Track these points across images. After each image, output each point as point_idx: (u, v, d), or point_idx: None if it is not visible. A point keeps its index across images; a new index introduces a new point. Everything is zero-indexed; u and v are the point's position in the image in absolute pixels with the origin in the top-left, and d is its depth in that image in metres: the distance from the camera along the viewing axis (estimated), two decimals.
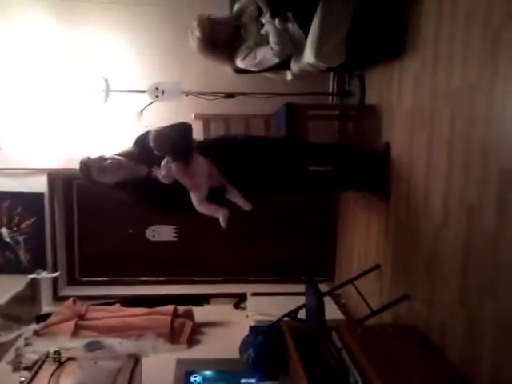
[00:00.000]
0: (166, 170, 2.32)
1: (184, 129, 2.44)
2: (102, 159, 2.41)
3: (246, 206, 2.52)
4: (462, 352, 2.00)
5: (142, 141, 2.47)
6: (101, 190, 2.61)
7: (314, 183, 2.77)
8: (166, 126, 2.41)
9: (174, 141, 2.34)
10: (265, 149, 2.69)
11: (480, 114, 1.92)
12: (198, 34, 2.93)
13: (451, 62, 2.15)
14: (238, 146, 2.63)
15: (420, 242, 2.39)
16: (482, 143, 1.90)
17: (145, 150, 2.41)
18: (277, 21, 2.72)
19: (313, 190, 2.95)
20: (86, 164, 2.40)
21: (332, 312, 3.13)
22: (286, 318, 2.95)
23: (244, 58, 2.98)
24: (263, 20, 2.80)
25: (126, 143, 2.58)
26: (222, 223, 2.40)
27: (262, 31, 2.90)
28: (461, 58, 2.07)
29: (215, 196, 2.47)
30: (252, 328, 2.71)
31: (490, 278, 1.82)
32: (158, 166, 2.36)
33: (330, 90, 3.74)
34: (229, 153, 2.57)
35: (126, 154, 2.49)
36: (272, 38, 2.79)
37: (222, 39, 2.97)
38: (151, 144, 2.33)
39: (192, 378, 2.51)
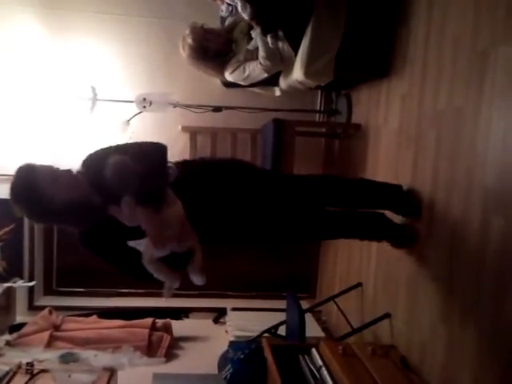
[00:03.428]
0: (129, 212, 1.66)
1: (157, 156, 1.79)
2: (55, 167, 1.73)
3: (200, 281, 1.78)
4: (442, 373, 2.00)
5: (96, 163, 1.73)
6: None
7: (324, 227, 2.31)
8: (133, 148, 1.82)
9: (142, 177, 1.64)
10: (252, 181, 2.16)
11: (466, 136, 1.95)
12: (189, 41, 2.95)
13: (438, 84, 2.19)
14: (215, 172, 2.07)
15: (402, 261, 2.40)
16: (467, 164, 1.93)
17: (98, 176, 1.66)
18: (268, 37, 2.74)
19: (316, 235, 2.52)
20: (33, 168, 1.66)
21: (312, 329, 3.11)
22: (266, 334, 2.92)
23: (233, 71, 3.01)
24: (253, 34, 2.83)
25: None
26: (166, 292, 1.70)
27: (250, 46, 2.93)
28: (448, 81, 2.11)
29: (174, 262, 1.69)
30: (231, 343, 2.68)
31: (474, 299, 1.83)
32: (116, 203, 1.66)
33: (318, 108, 3.77)
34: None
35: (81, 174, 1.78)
36: (261, 53, 2.82)
37: (213, 49, 2.99)
38: (108, 177, 1.64)
39: None
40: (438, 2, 2.25)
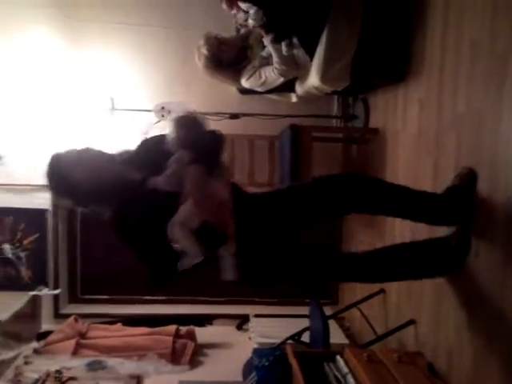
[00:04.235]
0: (175, 167, 1.62)
1: (218, 135, 1.84)
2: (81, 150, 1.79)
3: (231, 275, 1.74)
4: (470, 380, 1.98)
5: (152, 142, 1.86)
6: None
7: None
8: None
9: (206, 133, 1.72)
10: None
11: (487, 138, 1.94)
12: (204, 51, 2.98)
13: (456, 87, 2.17)
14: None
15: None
16: (489, 169, 1.91)
17: (151, 153, 1.78)
18: (283, 45, 2.75)
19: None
20: (57, 156, 1.74)
21: (336, 335, 3.10)
22: (290, 341, 2.93)
23: (249, 77, 3.03)
24: (265, 42, 2.84)
25: None
26: (183, 263, 1.65)
27: (264, 53, 2.95)
28: (466, 84, 2.09)
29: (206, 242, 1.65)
30: (255, 350, 2.69)
31: (499, 303, 1.81)
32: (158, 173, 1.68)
33: (335, 113, 3.77)
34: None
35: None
36: (275, 59, 2.83)
37: (227, 59, 3.02)
38: (172, 124, 1.69)
39: None
40: (455, 5, 2.23)
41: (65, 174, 1.67)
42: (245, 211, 1.77)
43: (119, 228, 1.75)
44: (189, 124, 1.71)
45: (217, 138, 1.81)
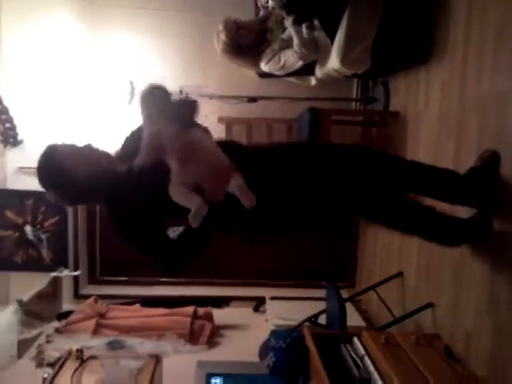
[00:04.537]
0: (148, 139, 1.56)
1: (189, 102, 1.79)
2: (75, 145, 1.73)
3: (248, 201, 1.57)
4: (488, 364, 1.98)
5: (132, 133, 1.81)
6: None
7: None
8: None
9: (172, 104, 1.61)
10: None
11: (510, 123, 1.90)
12: (223, 37, 2.97)
13: (480, 69, 2.13)
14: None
15: (446, 249, 2.37)
16: (511, 154, 1.88)
17: (132, 143, 1.71)
18: (303, 27, 2.72)
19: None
20: (52, 149, 1.67)
21: (353, 318, 3.11)
22: (306, 323, 2.95)
23: (268, 61, 3.01)
24: (286, 23, 2.81)
25: None
26: (192, 220, 1.55)
27: (284, 35, 2.92)
28: (490, 66, 2.06)
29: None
30: (273, 332, 2.71)
31: None
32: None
33: (354, 96, 3.73)
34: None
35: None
36: (296, 41, 2.81)
37: (246, 44, 3.00)
38: (140, 94, 1.61)
39: (213, 381, 2.52)
40: None
41: (57, 164, 1.61)
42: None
43: (118, 225, 1.73)
44: (150, 98, 1.59)
45: (187, 104, 1.71)
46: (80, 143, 1.72)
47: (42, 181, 1.67)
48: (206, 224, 1.59)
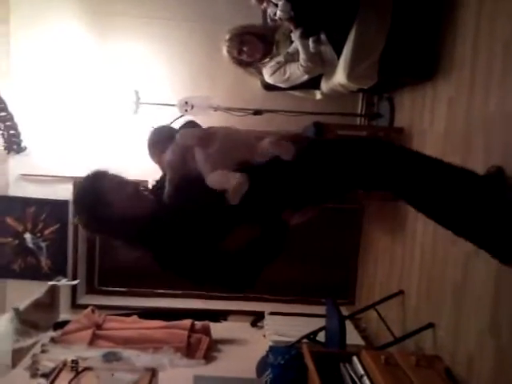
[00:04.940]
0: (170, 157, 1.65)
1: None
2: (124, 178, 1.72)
3: (287, 152, 1.59)
4: None
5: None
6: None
7: None
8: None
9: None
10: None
11: None
12: (225, 54, 2.98)
13: (488, 88, 2.12)
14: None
15: (448, 269, 2.34)
16: None
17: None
18: (310, 41, 2.73)
19: None
20: (102, 174, 1.64)
21: (352, 336, 3.06)
22: (305, 340, 2.90)
23: (273, 73, 3.01)
24: (293, 36, 2.82)
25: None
26: (232, 196, 1.51)
27: (290, 49, 2.92)
28: (498, 84, 2.04)
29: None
30: (271, 348, 2.67)
31: None
32: None
33: (359, 112, 3.72)
34: None
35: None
36: (302, 55, 2.81)
37: (247, 61, 3.00)
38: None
39: None
40: (488, 4, 2.18)
41: (104, 192, 1.58)
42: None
43: (168, 263, 1.65)
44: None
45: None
46: (126, 177, 1.68)
47: (79, 204, 1.66)
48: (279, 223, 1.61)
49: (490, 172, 1.97)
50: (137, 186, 1.67)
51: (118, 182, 1.63)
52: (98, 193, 1.58)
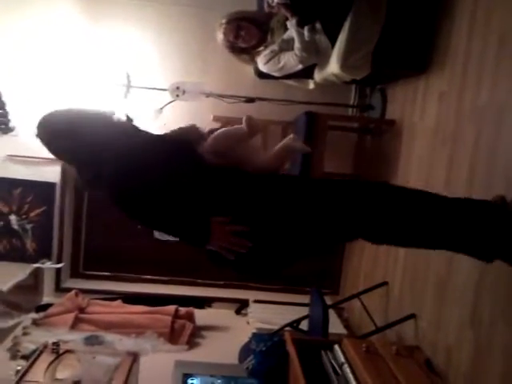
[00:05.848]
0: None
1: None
2: None
3: (302, 147, 2.11)
4: (468, 377, 1.95)
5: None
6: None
7: None
8: None
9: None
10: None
11: (507, 133, 1.89)
12: (220, 36, 2.95)
13: (480, 82, 2.12)
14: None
15: (433, 262, 2.35)
16: (505, 167, 1.86)
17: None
18: (305, 29, 2.71)
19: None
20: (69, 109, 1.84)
21: (335, 325, 3.07)
22: (288, 328, 2.91)
23: (267, 61, 2.98)
24: (289, 25, 2.80)
25: None
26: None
27: (285, 36, 2.90)
28: (490, 77, 2.04)
29: None
30: (254, 335, 2.68)
31: (506, 303, 1.78)
32: None
33: (351, 102, 3.72)
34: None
35: None
36: (296, 44, 2.79)
37: (243, 47, 2.98)
38: None
39: (189, 381, 2.47)
40: None
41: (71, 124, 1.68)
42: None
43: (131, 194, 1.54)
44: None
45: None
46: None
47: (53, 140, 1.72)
48: None
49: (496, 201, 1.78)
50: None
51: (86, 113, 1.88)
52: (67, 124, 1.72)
